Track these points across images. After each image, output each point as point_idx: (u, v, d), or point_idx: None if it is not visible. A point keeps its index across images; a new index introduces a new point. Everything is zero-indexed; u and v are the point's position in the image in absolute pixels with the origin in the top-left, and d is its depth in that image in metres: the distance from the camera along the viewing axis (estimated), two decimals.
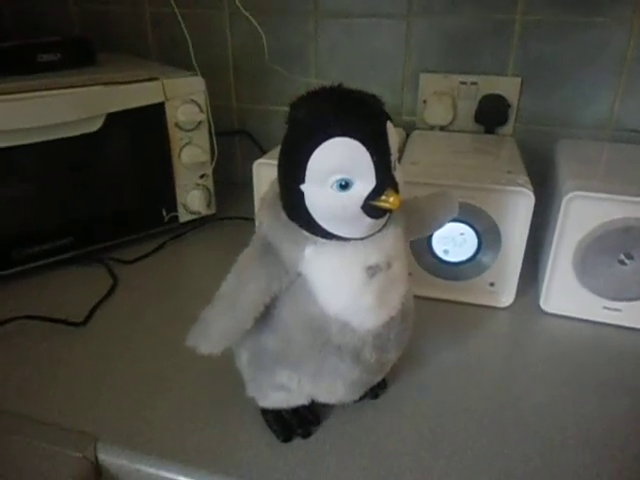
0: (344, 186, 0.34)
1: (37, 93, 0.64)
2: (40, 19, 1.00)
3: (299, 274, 0.38)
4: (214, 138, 0.82)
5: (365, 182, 0.35)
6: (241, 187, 0.92)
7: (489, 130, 0.83)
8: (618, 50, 0.74)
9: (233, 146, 0.99)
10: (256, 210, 0.69)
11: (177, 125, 0.76)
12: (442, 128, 0.85)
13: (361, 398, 0.47)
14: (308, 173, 0.35)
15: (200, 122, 0.78)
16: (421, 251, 0.64)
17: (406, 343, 0.45)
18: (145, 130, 0.74)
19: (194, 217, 0.83)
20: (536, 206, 0.58)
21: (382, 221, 0.38)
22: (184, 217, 0.82)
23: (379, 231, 0.39)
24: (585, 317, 0.62)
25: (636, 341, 0.59)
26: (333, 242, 0.38)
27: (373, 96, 0.36)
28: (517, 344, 0.59)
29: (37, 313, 0.61)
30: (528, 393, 0.52)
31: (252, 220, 0.73)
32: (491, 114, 0.82)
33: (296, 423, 0.46)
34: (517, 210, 0.59)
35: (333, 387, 0.43)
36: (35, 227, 0.69)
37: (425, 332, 0.59)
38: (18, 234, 0.68)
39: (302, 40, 0.87)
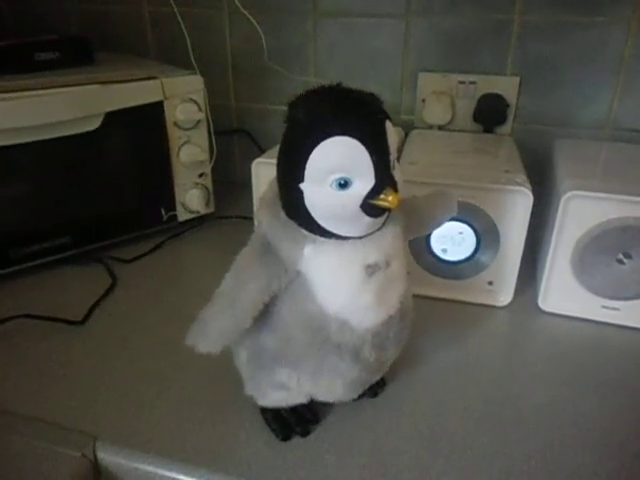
0: (343, 185, 0.34)
1: (35, 92, 0.63)
2: (39, 18, 1.00)
3: (298, 273, 0.38)
4: (213, 137, 0.82)
5: (364, 181, 0.35)
6: (240, 186, 0.92)
7: (488, 129, 0.83)
8: (616, 50, 0.74)
9: (232, 145, 0.99)
10: (255, 209, 0.69)
11: (176, 124, 0.76)
12: (441, 127, 0.85)
13: (360, 397, 0.47)
14: (307, 172, 0.35)
15: (199, 121, 0.78)
16: (420, 250, 0.64)
17: (405, 342, 0.45)
18: (144, 129, 0.74)
19: (193, 216, 0.83)
20: (534, 205, 0.59)
21: (381, 220, 0.38)
22: (183, 216, 0.82)
23: (378, 230, 0.39)
24: (583, 316, 0.62)
25: (634, 340, 0.59)
26: (332, 241, 0.38)
27: (372, 95, 0.36)
28: (515, 343, 0.60)
29: (36, 312, 0.61)
30: (527, 392, 0.52)
31: (251, 219, 0.73)
32: (490, 113, 0.83)
33: (295, 422, 0.46)
34: (515, 209, 0.60)
35: (332, 386, 0.43)
36: (33, 226, 0.69)
37: (424, 331, 0.59)
38: (16, 233, 0.68)
39: (301, 39, 0.87)
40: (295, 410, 0.47)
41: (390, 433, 0.47)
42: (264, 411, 0.47)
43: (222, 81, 0.95)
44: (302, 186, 0.35)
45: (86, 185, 0.72)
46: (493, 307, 0.65)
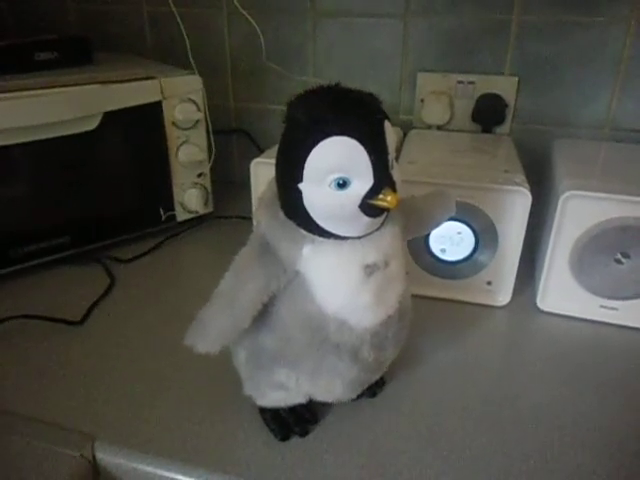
0: (342, 185, 0.34)
1: (34, 92, 0.63)
2: (39, 18, 1.00)
3: (297, 273, 0.38)
4: (211, 137, 0.82)
5: (363, 181, 0.35)
6: (238, 186, 0.92)
7: (486, 129, 0.83)
8: (615, 50, 0.74)
9: (230, 145, 0.99)
10: (254, 209, 0.68)
11: (174, 124, 0.76)
12: (439, 127, 0.85)
13: (359, 397, 0.47)
14: (306, 172, 0.35)
15: (197, 121, 0.78)
16: (418, 250, 0.64)
17: (404, 342, 0.45)
18: (142, 129, 0.74)
19: (191, 216, 0.83)
20: (533, 205, 0.59)
21: (380, 220, 0.38)
22: (181, 216, 0.82)
23: (377, 230, 0.39)
24: (582, 316, 0.62)
25: (633, 340, 0.60)
26: (331, 241, 0.38)
27: (371, 95, 0.36)
28: (514, 343, 0.60)
29: (34, 312, 0.61)
30: (526, 392, 0.52)
31: (249, 219, 0.73)
32: (488, 113, 0.83)
33: (294, 422, 0.46)
34: (514, 209, 0.60)
35: (331, 385, 0.43)
36: (32, 226, 0.69)
37: (422, 331, 0.59)
38: (15, 233, 0.68)
39: (300, 39, 0.87)
40: (294, 410, 0.47)
41: (389, 433, 0.47)
42: (263, 411, 0.47)
43: (221, 81, 0.95)
44: (301, 186, 0.35)
45: (85, 185, 0.72)
46: (492, 307, 0.65)
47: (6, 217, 0.67)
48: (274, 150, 0.38)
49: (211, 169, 0.83)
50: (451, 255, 0.64)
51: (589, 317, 0.62)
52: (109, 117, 0.69)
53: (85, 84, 0.67)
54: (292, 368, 0.42)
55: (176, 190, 0.80)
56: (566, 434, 0.47)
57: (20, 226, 0.69)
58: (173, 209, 0.81)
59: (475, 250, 0.63)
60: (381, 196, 0.35)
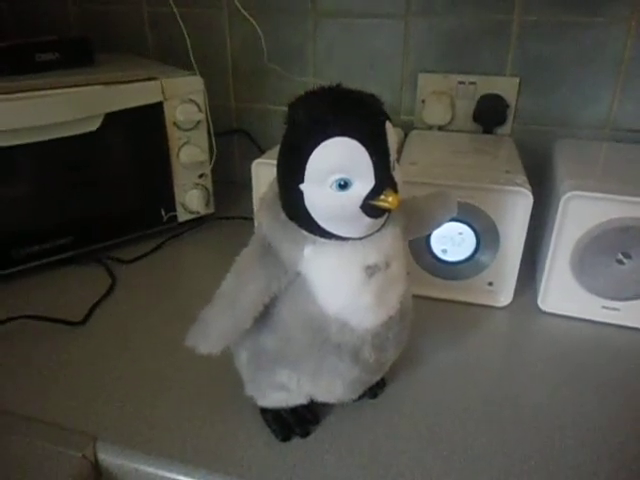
0: (343, 186, 0.34)
1: (35, 93, 0.64)
2: (40, 19, 1.00)
3: (298, 274, 0.38)
4: (213, 138, 0.82)
5: (364, 182, 0.35)
6: (240, 186, 0.92)
7: (487, 130, 0.83)
8: (616, 50, 0.74)
9: (232, 145, 0.99)
10: (255, 210, 0.69)
11: (176, 125, 0.76)
12: (440, 128, 0.85)
13: (360, 397, 0.47)
14: (307, 173, 0.35)
15: (199, 122, 0.78)
16: (420, 250, 0.64)
17: (405, 342, 0.45)
18: (144, 130, 0.74)
19: (193, 217, 0.83)
20: (534, 206, 0.59)
21: (381, 221, 0.38)
22: (183, 217, 0.82)
23: (378, 231, 0.39)
24: (583, 316, 0.62)
25: (634, 340, 0.59)
26: (332, 242, 0.38)
27: (372, 96, 0.36)
28: (515, 343, 0.60)
29: (36, 313, 0.61)
30: (527, 392, 0.52)
31: (251, 219, 0.73)
32: (489, 114, 0.83)
33: (295, 422, 0.46)
34: (515, 210, 0.60)
35: (332, 386, 0.43)
36: (34, 227, 0.69)
37: (423, 331, 0.59)
38: (17, 233, 0.68)
39: (301, 40, 0.88)
40: (295, 411, 0.47)
41: (390, 434, 0.47)
42: (264, 412, 0.47)
43: (222, 82, 0.95)
44: (302, 187, 0.35)
45: (86, 186, 0.72)
46: (493, 307, 0.65)
47: (8, 218, 0.67)
48: (275, 151, 0.38)
49: (212, 170, 0.83)
50: (452, 256, 0.64)
51: (590, 318, 0.62)
52: (110, 118, 0.69)
53: (86, 85, 0.67)
54: (293, 369, 0.42)
55: (177, 191, 0.80)
56: (567, 434, 0.47)
57: (22, 227, 0.69)
58: (174, 210, 0.81)
59: (476, 251, 0.63)
60: (382, 197, 0.35)
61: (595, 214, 0.57)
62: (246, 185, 0.71)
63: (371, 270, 0.38)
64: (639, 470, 0.44)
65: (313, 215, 0.36)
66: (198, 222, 0.84)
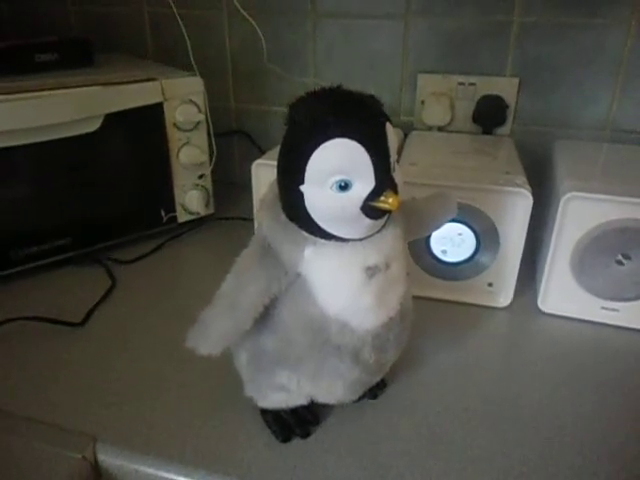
0: (343, 187, 0.34)
1: (35, 93, 0.63)
2: (39, 20, 1.00)
3: (299, 275, 0.38)
4: (212, 138, 0.82)
5: (364, 183, 0.35)
6: (239, 187, 0.92)
7: (487, 131, 0.83)
8: (616, 51, 0.74)
9: (231, 146, 0.99)
10: (255, 211, 0.69)
11: (175, 125, 0.76)
12: (440, 129, 0.85)
13: (360, 398, 0.47)
14: (307, 174, 0.35)
15: (198, 122, 0.78)
16: (419, 251, 0.64)
17: (405, 343, 0.45)
18: (143, 130, 0.74)
19: (192, 217, 0.83)
20: (534, 207, 0.59)
21: (381, 222, 0.38)
22: (182, 217, 0.82)
23: (378, 232, 0.39)
24: (583, 317, 0.62)
25: (634, 341, 0.60)
26: (332, 243, 0.38)
27: (372, 97, 0.36)
28: (515, 344, 0.60)
29: (35, 314, 0.61)
30: (526, 393, 0.52)
31: (251, 220, 0.73)
32: (489, 115, 0.83)
33: (295, 423, 0.46)
34: (515, 210, 0.60)
35: (332, 387, 0.43)
36: (33, 227, 0.69)
37: (423, 332, 0.59)
38: (16, 234, 0.68)
39: (300, 41, 0.88)
40: (295, 412, 0.47)
41: (390, 434, 0.47)
42: (264, 413, 0.47)
43: (222, 82, 0.95)
44: (302, 188, 0.35)
45: (86, 186, 0.72)
46: (493, 308, 0.65)
47: (7, 218, 0.67)
48: (275, 151, 0.38)
49: (212, 170, 0.83)
50: (452, 256, 0.64)
51: (590, 318, 0.62)
52: (110, 119, 0.69)
53: (86, 86, 0.67)
54: (293, 370, 0.42)
55: (177, 191, 0.80)
56: (566, 435, 0.47)
57: (21, 227, 0.69)
58: (174, 210, 0.81)
59: (476, 251, 0.63)
60: (383, 198, 0.35)
61: (595, 215, 0.57)
62: (246, 186, 0.71)
63: (371, 271, 0.38)
64: (639, 471, 0.44)
65: (313, 216, 0.36)
66: (198, 223, 0.84)
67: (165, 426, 0.47)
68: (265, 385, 0.44)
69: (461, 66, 0.82)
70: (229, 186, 0.96)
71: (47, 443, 0.45)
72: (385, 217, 0.38)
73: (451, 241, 0.63)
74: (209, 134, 0.81)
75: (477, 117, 0.83)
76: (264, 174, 0.67)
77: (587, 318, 0.62)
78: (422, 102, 0.85)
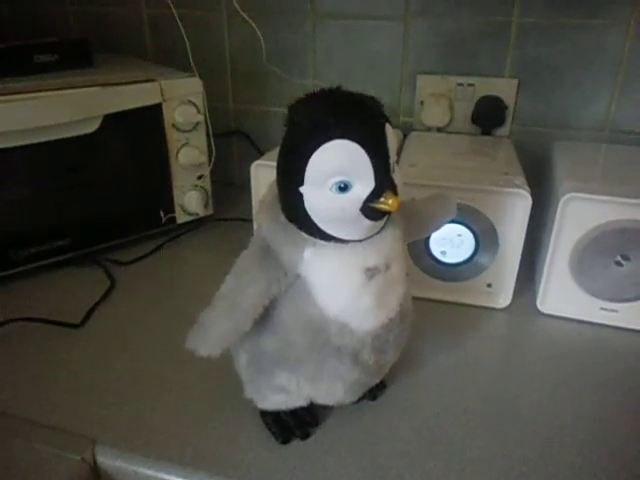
0: (343, 188, 0.34)
1: (34, 94, 0.63)
2: (38, 20, 1.00)
3: (298, 276, 0.38)
4: (211, 139, 0.82)
5: (364, 184, 0.35)
6: (238, 188, 0.92)
7: (486, 132, 0.83)
8: (615, 52, 0.74)
9: (230, 147, 0.99)
10: (254, 212, 0.69)
11: (174, 126, 0.76)
12: (439, 129, 0.85)
13: (359, 400, 0.47)
14: (307, 175, 0.35)
15: (197, 123, 0.78)
16: (419, 252, 0.64)
17: (404, 345, 0.45)
18: (142, 131, 0.74)
19: (191, 218, 0.83)
20: (533, 207, 0.59)
21: (381, 223, 0.38)
22: (181, 218, 0.82)
23: (378, 233, 0.39)
24: (582, 318, 0.62)
25: (632, 342, 0.60)
26: (332, 244, 0.38)
27: (372, 98, 0.36)
28: (514, 345, 0.60)
29: (34, 315, 0.61)
30: (526, 393, 0.52)
31: (250, 221, 0.73)
32: (488, 116, 0.83)
33: (295, 425, 0.46)
34: (514, 211, 0.60)
35: (332, 389, 0.43)
36: (32, 228, 0.69)
37: (423, 333, 0.59)
38: (15, 235, 0.68)
39: (300, 41, 0.88)
40: (295, 413, 0.47)
41: (390, 436, 0.47)
42: (264, 414, 0.47)
43: (221, 83, 0.95)
44: (302, 189, 0.35)
45: (85, 187, 0.72)
46: (492, 309, 0.65)
47: (6, 219, 0.67)
48: (274, 152, 0.38)
49: (211, 171, 0.83)
50: (451, 257, 0.64)
51: (589, 319, 0.62)
52: (109, 120, 0.69)
53: (85, 87, 0.67)
54: (293, 371, 0.42)
55: (176, 192, 0.80)
56: (566, 435, 0.47)
57: (20, 228, 0.68)
58: (173, 211, 0.81)
59: (475, 252, 0.63)
60: (382, 199, 0.35)
61: (594, 216, 0.57)
62: (245, 187, 0.71)
63: (371, 272, 0.38)
64: (639, 471, 0.44)
65: (313, 217, 0.36)
66: (197, 224, 0.84)
67: (165, 427, 0.47)
68: (265, 386, 0.44)
69: (460, 67, 0.82)
70: (228, 187, 0.96)
71: (47, 445, 0.45)
72: (385, 218, 0.38)
73: (450, 242, 0.63)
74: (208, 135, 0.81)
75: (476, 118, 0.83)
76: (263, 175, 0.67)
77: (586, 319, 0.62)
78: (421, 103, 0.85)
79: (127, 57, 0.90)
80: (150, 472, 0.44)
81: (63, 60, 0.74)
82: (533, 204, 0.58)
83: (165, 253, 0.78)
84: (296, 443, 0.46)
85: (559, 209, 0.58)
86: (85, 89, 0.67)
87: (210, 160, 0.82)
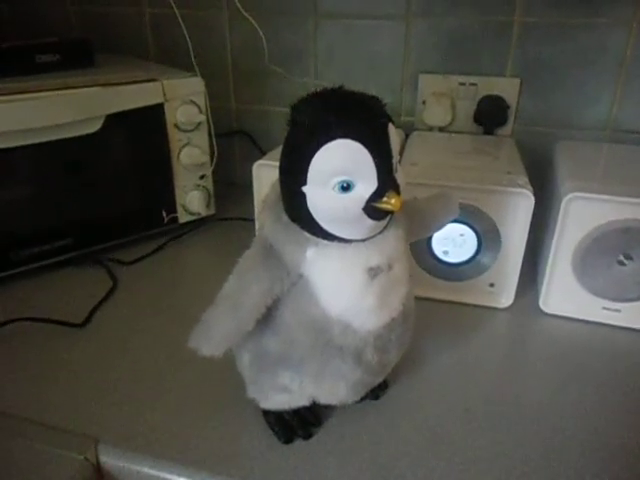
0: (346, 188, 0.34)
1: (36, 94, 0.63)
2: (40, 20, 1.00)
3: (301, 276, 0.38)
4: (213, 139, 0.82)
5: (367, 184, 0.35)
6: (240, 188, 0.92)
7: (488, 131, 0.83)
8: (617, 51, 0.74)
9: (232, 147, 0.99)
10: (256, 212, 0.69)
11: (176, 126, 0.76)
12: (441, 129, 0.85)
13: (362, 399, 0.47)
14: (310, 175, 0.35)
15: (199, 123, 0.78)
16: (421, 252, 0.64)
17: (407, 344, 0.45)
18: (144, 131, 0.74)
19: (193, 218, 0.83)
20: (535, 207, 0.59)
21: (383, 223, 0.38)
22: (183, 218, 0.82)
23: (380, 233, 0.39)
24: (584, 318, 0.62)
25: (636, 341, 0.59)
26: (335, 244, 0.38)
27: (374, 98, 0.36)
28: (517, 345, 0.60)
29: (36, 315, 0.61)
30: (528, 393, 0.52)
31: (252, 221, 0.73)
32: (490, 115, 0.83)
33: (297, 424, 0.46)
34: (517, 211, 0.60)
35: (335, 388, 0.43)
36: (34, 228, 0.69)
37: (425, 333, 0.59)
38: (17, 235, 0.68)
39: (301, 41, 0.88)
40: (297, 413, 0.47)
41: (392, 435, 0.47)
42: (266, 414, 0.47)
43: (223, 83, 0.95)
44: (305, 189, 0.35)
45: (87, 187, 0.72)
46: (494, 309, 0.65)
47: (8, 219, 0.67)
48: (276, 152, 0.38)
49: (213, 171, 0.83)
50: (454, 257, 0.64)
51: (592, 319, 0.62)
52: (111, 119, 0.69)
53: (87, 87, 0.67)
54: (296, 371, 0.42)
55: (178, 192, 0.80)
56: (568, 435, 0.47)
57: (22, 228, 0.69)
58: (175, 211, 0.81)
59: (478, 252, 0.63)
60: (385, 199, 0.35)
61: (596, 215, 0.57)
62: (247, 186, 0.71)
63: (374, 272, 0.38)
64: None
65: (315, 217, 0.36)
66: (199, 223, 0.84)
67: (167, 427, 0.47)
68: (267, 386, 0.44)
69: (462, 66, 0.82)
70: (230, 187, 0.96)
71: (49, 444, 0.45)
72: (387, 218, 0.38)
73: (453, 242, 0.63)
74: (210, 135, 0.81)
75: (478, 117, 0.83)
76: (265, 174, 0.67)
77: (589, 318, 0.62)
78: (423, 102, 0.85)
79: (129, 57, 0.91)
80: (153, 471, 0.44)
81: (65, 60, 0.75)
82: (535, 203, 0.58)
83: (167, 253, 0.78)
84: (298, 443, 0.46)
85: (561, 209, 0.57)
86: (87, 89, 0.67)
87: (212, 160, 0.82)
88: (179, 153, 0.78)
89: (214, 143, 0.82)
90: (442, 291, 0.65)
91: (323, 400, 0.45)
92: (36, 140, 0.65)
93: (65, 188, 0.70)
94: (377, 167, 0.34)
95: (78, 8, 0.97)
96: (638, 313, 0.60)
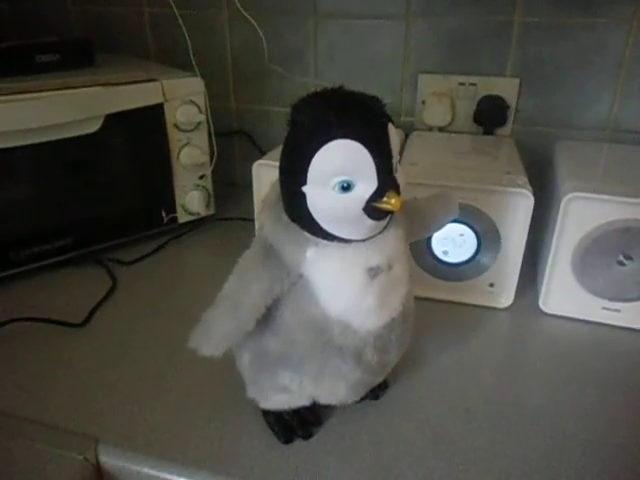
0: (346, 188, 0.34)
1: (36, 94, 0.63)
2: (40, 20, 1.00)
3: (301, 276, 0.38)
4: (213, 139, 0.82)
5: (367, 184, 0.35)
6: (240, 188, 0.92)
7: (488, 131, 0.83)
8: (617, 51, 0.74)
9: (232, 147, 0.99)
10: (256, 212, 0.69)
11: (176, 126, 0.76)
12: (441, 129, 0.85)
13: (362, 399, 0.47)
14: (310, 175, 0.35)
15: (199, 123, 0.78)
16: (421, 252, 0.64)
17: (407, 344, 0.45)
18: (144, 131, 0.74)
19: (193, 218, 0.83)
20: (535, 207, 0.59)
21: (383, 223, 0.38)
22: (183, 218, 0.82)
23: (380, 233, 0.39)
24: (584, 318, 0.62)
25: (635, 341, 0.59)
26: (334, 244, 0.38)
27: (374, 98, 0.36)
28: (517, 345, 0.60)
29: (36, 315, 0.61)
30: (528, 393, 0.52)
31: (251, 221, 0.73)
32: (490, 115, 0.83)
33: (297, 424, 0.46)
34: (516, 211, 0.60)
35: (335, 388, 0.43)
36: (34, 228, 0.69)
37: (425, 333, 0.59)
38: (17, 235, 0.68)
39: (301, 41, 0.88)
40: (297, 413, 0.47)
41: (392, 435, 0.47)
42: (266, 414, 0.47)
43: (222, 83, 0.95)
44: (304, 189, 0.35)
45: (86, 187, 0.72)
46: (494, 309, 0.65)
47: (8, 219, 0.67)
48: (276, 152, 0.38)
49: (213, 171, 0.83)
50: (453, 257, 0.64)
51: (591, 319, 0.62)
52: (111, 119, 0.69)
53: (87, 86, 0.67)
54: (296, 371, 0.42)
55: (178, 192, 0.80)
56: (568, 435, 0.47)
57: (22, 228, 0.69)
58: (175, 211, 0.81)
59: (477, 252, 0.63)
60: (385, 199, 0.35)
61: (596, 215, 0.57)
62: (246, 186, 0.71)
63: (374, 272, 0.38)
64: None
65: (315, 217, 0.36)
66: (198, 223, 0.84)
67: (167, 427, 0.47)
68: (267, 386, 0.44)
69: (462, 66, 0.82)
70: (230, 187, 0.96)
71: (49, 444, 0.45)
72: (387, 218, 0.38)
73: (452, 242, 0.63)
74: (210, 134, 0.81)
75: (478, 117, 0.83)
76: (265, 174, 0.67)
77: (588, 318, 0.62)
78: (423, 102, 0.85)
79: (129, 57, 0.91)
80: (153, 472, 0.44)
81: (65, 60, 0.75)
82: (535, 203, 0.58)
83: (167, 253, 0.78)
84: (298, 443, 0.46)
85: (561, 209, 0.57)
86: (87, 89, 0.67)
87: (212, 160, 0.82)
88: (179, 153, 0.78)
89: (214, 143, 0.82)
90: (442, 291, 0.65)
91: (323, 400, 0.45)
92: (36, 140, 0.65)
93: (65, 188, 0.70)
94: (377, 167, 0.34)
95: (78, 8, 0.97)
96: (638, 313, 0.60)
